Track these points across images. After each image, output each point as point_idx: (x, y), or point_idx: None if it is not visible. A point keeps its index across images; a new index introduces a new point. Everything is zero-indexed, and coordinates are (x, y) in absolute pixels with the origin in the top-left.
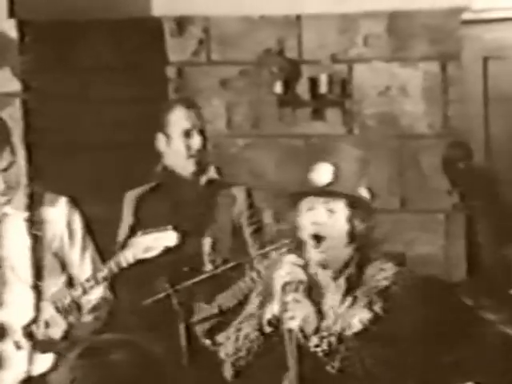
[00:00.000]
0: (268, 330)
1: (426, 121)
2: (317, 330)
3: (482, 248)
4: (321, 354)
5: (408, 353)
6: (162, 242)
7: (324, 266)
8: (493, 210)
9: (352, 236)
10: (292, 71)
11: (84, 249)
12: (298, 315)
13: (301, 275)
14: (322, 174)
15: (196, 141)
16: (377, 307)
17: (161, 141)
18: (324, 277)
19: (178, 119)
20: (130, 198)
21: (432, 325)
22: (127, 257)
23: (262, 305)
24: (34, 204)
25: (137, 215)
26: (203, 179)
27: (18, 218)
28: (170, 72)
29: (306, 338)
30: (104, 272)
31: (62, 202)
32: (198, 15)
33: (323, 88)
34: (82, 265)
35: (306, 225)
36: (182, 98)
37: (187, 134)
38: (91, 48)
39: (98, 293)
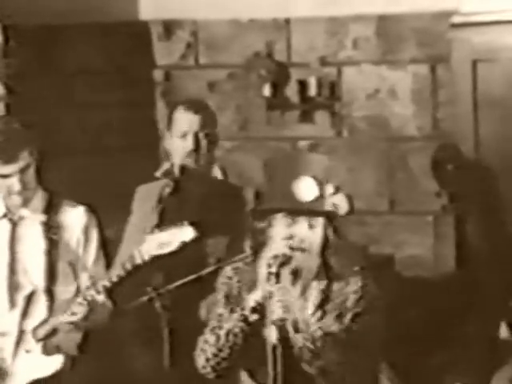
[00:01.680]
0: (253, 318)
1: (415, 123)
2: (296, 323)
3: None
4: (307, 350)
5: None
6: (179, 237)
7: (296, 275)
8: (482, 211)
9: (325, 248)
10: (281, 74)
11: (98, 258)
12: (280, 301)
13: (287, 250)
14: (306, 189)
15: (188, 143)
16: (346, 320)
17: (167, 139)
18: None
19: (178, 120)
20: (144, 192)
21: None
22: (142, 253)
23: (228, 301)
24: (51, 208)
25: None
26: None
27: (34, 222)
28: (158, 76)
29: (298, 331)
30: (119, 270)
31: (81, 209)
32: (185, 19)
33: (312, 91)
34: (95, 274)
35: (283, 237)
36: (186, 100)
37: (184, 135)
38: (77, 52)
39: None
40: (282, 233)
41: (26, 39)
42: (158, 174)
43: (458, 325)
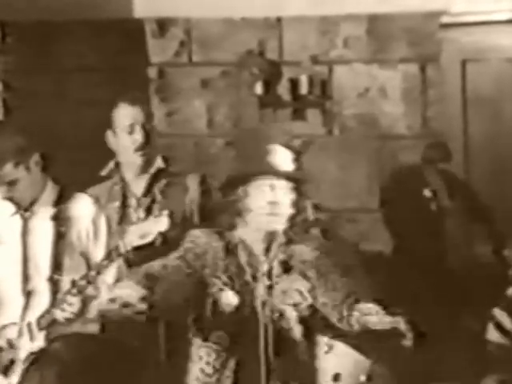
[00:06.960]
0: None
1: (405, 122)
2: None
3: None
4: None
5: None
6: (156, 228)
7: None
8: (464, 210)
9: (295, 211)
10: (272, 72)
11: (107, 249)
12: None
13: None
14: (282, 158)
15: (137, 136)
16: (311, 273)
17: (110, 138)
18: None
19: (121, 116)
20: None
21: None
22: (125, 244)
23: None
24: (61, 200)
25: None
26: (152, 169)
27: (44, 216)
28: (152, 73)
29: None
30: (104, 260)
31: (89, 201)
32: (179, 17)
33: (303, 89)
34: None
35: (261, 205)
36: (126, 95)
37: (131, 129)
38: (72, 49)
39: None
40: (263, 201)
41: (22, 36)
42: (103, 172)
43: (447, 321)
